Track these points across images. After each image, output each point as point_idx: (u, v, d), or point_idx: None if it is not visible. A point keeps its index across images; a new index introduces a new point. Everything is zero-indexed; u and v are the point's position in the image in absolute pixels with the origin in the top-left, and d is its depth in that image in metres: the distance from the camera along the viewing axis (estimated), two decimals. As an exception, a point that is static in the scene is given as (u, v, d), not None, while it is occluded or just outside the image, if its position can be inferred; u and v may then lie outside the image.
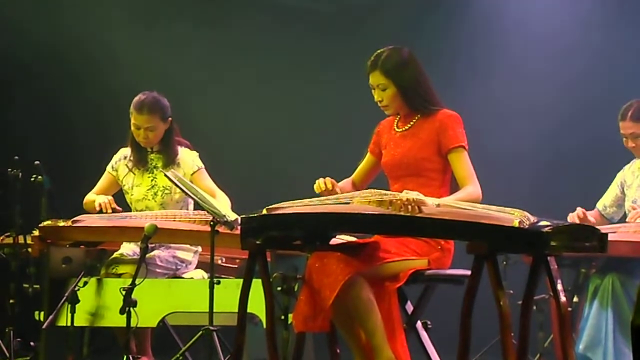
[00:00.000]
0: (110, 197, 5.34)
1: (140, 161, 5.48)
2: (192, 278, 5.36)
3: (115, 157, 5.57)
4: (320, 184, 4.28)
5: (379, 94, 4.43)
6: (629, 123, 5.28)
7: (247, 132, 7.46)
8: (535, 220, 3.63)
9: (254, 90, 7.58)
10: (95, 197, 5.40)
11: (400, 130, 4.46)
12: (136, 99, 5.44)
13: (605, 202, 5.45)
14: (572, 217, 5.19)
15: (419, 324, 4.32)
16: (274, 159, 7.51)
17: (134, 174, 5.49)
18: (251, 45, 7.60)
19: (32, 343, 5.71)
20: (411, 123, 4.43)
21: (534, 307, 5.13)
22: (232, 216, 4.82)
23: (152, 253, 5.28)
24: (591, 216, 5.33)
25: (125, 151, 5.55)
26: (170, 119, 5.45)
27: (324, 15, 7.82)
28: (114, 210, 5.25)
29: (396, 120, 4.50)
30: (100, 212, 5.25)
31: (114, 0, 7.50)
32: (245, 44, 7.60)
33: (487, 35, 7.49)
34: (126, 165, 5.52)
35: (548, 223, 3.60)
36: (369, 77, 4.42)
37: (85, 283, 4.95)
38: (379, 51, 4.44)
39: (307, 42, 7.64)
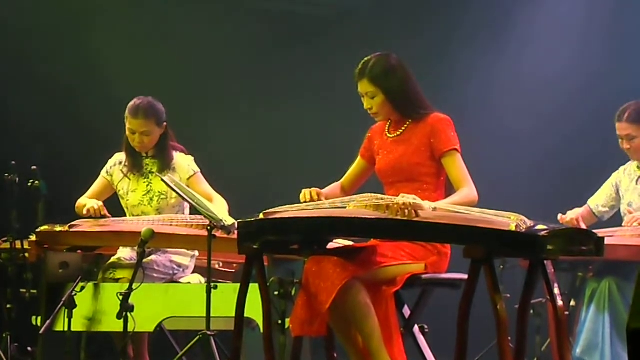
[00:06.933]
0: (100, 203, 5.33)
1: (135, 166, 5.48)
2: (189, 283, 5.36)
3: (110, 162, 5.56)
4: (305, 193, 4.28)
5: (368, 102, 4.43)
6: (625, 124, 5.29)
7: (245, 135, 7.46)
8: (531, 224, 3.64)
9: (251, 93, 7.59)
10: (87, 201, 5.39)
11: (392, 135, 4.45)
12: (131, 103, 5.44)
13: (598, 201, 5.46)
14: (564, 219, 5.21)
15: (416, 328, 4.32)
16: (272, 162, 7.51)
17: (129, 179, 5.49)
18: (249, 50, 7.61)
19: (29, 348, 5.70)
20: (403, 128, 4.43)
21: (531, 311, 5.12)
22: (229, 221, 4.82)
23: (149, 258, 5.27)
24: (581, 213, 5.36)
25: (120, 156, 5.54)
26: (165, 123, 5.44)
27: (322, 20, 7.83)
28: (103, 217, 5.24)
29: (387, 126, 4.49)
30: (91, 218, 5.26)
31: (112, 8, 7.50)
32: (244, 48, 7.61)
33: (486, 39, 7.49)
34: (121, 170, 5.51)
35: (545, 227, 3.61)
36: (357, 85, 4.43)
37: (83, 288, 4.94)
38: (365, 59, 4.44)
39: (303, 47, 7.65)
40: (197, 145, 5.75)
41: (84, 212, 5.29)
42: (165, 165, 5.43)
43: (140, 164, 5.48)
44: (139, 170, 5.47)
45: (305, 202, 4.25)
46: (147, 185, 5.45)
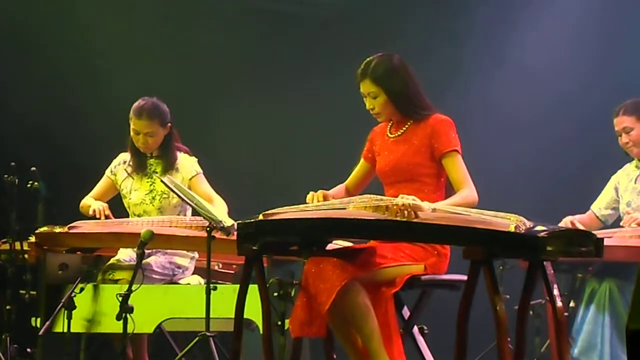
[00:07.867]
0: (105, 204, 5.34)
1: (140, 166, 5.49)
2: (188, 284, 5.36)
3: (115, 162, 5.57)
4: (313, 197, 4.27)
5: (370, 102, 4.43)
6: (622, 117, 5.35)
7: (244, 135, 7.46)
8: (531, 225, 3.63)
9: (251, 96, 7.59)
10: (92, 201, 5.41)
11: (393, 136, 4.45)
12: (136, 104, 5.45)
13: (600, 204, 5.47)
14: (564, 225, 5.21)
15: (415, 329, 4.32)
16: (271, 164, 7.51)
17: (133, 178, 5.50)
18: (248, 52, 7.61)
19: (28, 349, 5.71)
20: (404, 129, 4.43)
21: (531, 312, 5.12)
22: (228, 222, 4.82)
23: (148, 259, 5.27)
24: (585, 219, 5.36)
25: (125, 156, 5.55)
26: (169, 124, 5.45)
27: (322, 20, 7.83)
28: (107, 217, 5.25)
29: (389, 126, 4.50)
30: (94, 218, 5.26)
31: (113, 9, 7.50)
32: (244, 48, 7.61)
33: (488, 43, 7.49)
34: (125, 169, 5.52)
35: (544, 228, 3.61)
36: (360, 85, 4.42)
37: (82, 289, 4.94)
38: (368, 59, 4.43)
39: (303, 47, 7.65)
40: (197, 145, 5.74)
41: (90, 212, 5.30)
42: (169, 165, 5.44)
43: (144, 164, 5.49)
44: (143, 170, 5.49)
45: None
46: (150, 185, 5.45)
